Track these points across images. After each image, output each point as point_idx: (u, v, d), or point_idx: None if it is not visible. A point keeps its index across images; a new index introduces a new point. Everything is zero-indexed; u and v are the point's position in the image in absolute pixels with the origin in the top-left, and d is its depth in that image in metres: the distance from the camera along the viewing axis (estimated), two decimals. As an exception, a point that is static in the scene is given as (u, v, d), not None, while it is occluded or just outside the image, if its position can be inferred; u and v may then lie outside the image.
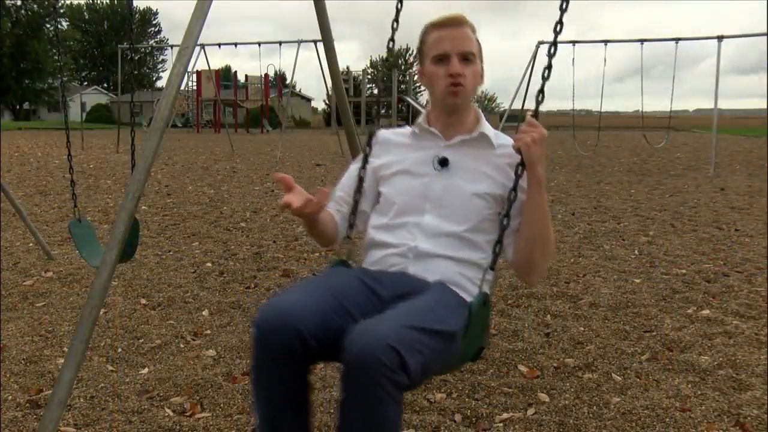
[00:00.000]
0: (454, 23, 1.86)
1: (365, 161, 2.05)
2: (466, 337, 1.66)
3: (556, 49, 1.80)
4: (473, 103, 1.96)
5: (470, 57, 1.86)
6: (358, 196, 2.03)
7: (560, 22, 1.77)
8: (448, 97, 1.87)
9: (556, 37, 1.78)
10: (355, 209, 2.03)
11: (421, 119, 2.00)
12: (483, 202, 1.87)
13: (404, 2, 2.21)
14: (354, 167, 2.09)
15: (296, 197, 1.70)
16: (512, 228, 1.81)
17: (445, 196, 1.88)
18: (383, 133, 2.09)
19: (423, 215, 1.87)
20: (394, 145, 2.03)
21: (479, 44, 1.92)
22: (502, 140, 1.96)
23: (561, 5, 1.78)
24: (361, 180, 2.02)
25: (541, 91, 1.78)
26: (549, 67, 1.79)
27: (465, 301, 1.78)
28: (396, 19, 2.20)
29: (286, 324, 1.54)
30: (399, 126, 2.20)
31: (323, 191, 1.74)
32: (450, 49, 1.84)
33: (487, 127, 1.96)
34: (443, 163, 1.89)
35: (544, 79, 1.79)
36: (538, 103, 1.77)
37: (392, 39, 2.20)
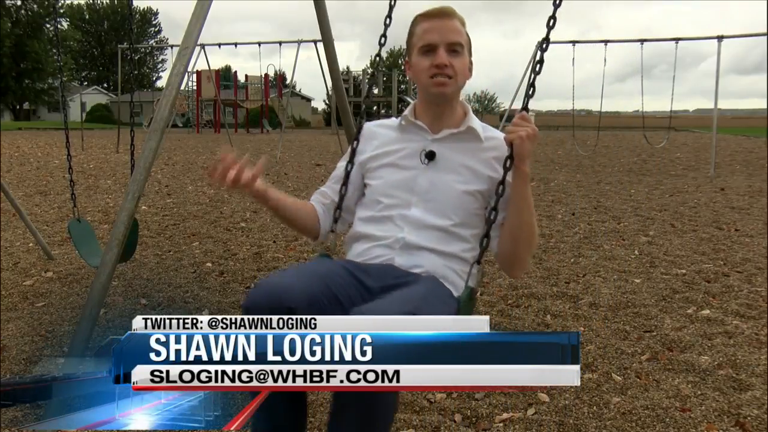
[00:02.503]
0: (443, 15, 1.84)
1: (352, 155, 2.03)
2: None
3: (548, 44, 1.79)
4: (462, 98, 1.95)
5: (458, 48, 1.83)
6: (343, 190, 2.00)
7: (553, 17, 1.76)
8: (433, 87, 1.83)
9: (548, 32, 1.76)
10: (340, 204, 2.01)
11: (407, 111, 1.96)
12: (470, 198, 1.87)
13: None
14: (341, 163, 2.08)
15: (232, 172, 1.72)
16: (498, 221, 1.80)
17: (432, 190, 1.87)
18: (369, 127, 2.05)
19: (410, 208, 1.86)
20: (381, 138, 2.00)
21: (468, 38, 1.89)
22: (490, 133, 1.94)
23: (554, 1, 1.77)
24: (347, 174, 2.00)
25: (532, 84, 1.77)
26: (541, 61, 1.78)
27: (453, 294, 1.80)
28: (389, 15, 2.20)
29: (281, 304, 1.54)
30: (386, 117, 2.18)
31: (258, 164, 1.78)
32: (438, 40, 1.81)
33: (474, 121, 1.93)
34: (430, 156, 1.87)
35: (536, 73, 1.77)
36: (528, 96, 1.76)
37: (384, 35, 2.18)
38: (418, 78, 1.88)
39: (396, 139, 1.96)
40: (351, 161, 2.02)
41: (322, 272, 1.72)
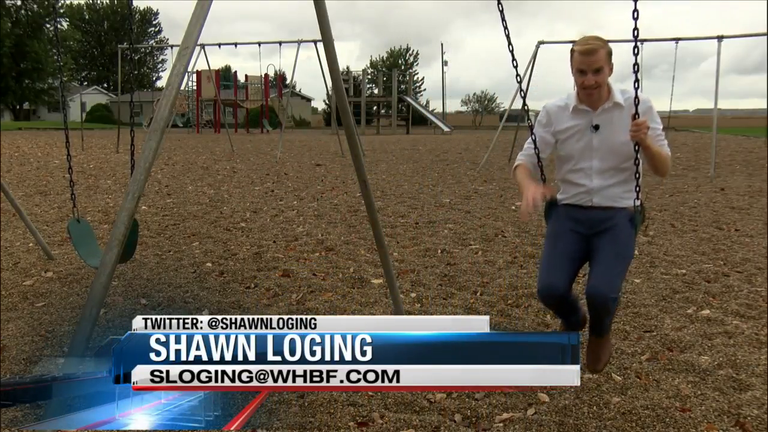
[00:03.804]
0: (589, 52, 2.74)
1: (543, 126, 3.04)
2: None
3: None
4: (607, 83, 2.85)
5: (599, 70, 2.77)
6: (539, 151, 3.03)
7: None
8: (583, 94, 2.84)
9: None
10: (539, 160, 3.06)
11: (574, 100, 2.91)
12: (626, 145, 2.82)
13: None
14: (532, 136, 3.06)
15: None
16: (643, 158, 2.84)
17: (602, 147, 2.88)
18: (551, 108, 3.00)
19: (592, 161, 2.90)
20: (562, 117, 2.96)
21: (607, 53, 2.78)
22: (626, 96, 2.85)
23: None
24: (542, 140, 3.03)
25: (525, 81, 2.27)
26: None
27: (631, 213, 2.89)
28: None
29: (556, 294, 2.86)
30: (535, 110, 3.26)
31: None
32: (586, 68, 2.77)
33: (616, 96, 2.85)
34: (596, 128, 2.88)
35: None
36: (636, 107, 2.76)
37: None
38: (577, 84, 2.84)
39: (573, 118, 2.92)
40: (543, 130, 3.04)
41: (565, 252, 2.89)
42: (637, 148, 2.78)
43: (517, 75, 3.12)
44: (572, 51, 2.85)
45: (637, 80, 2.75)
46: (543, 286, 2.85)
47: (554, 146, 3.02)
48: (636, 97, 2.75)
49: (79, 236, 4.56)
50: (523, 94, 3.25)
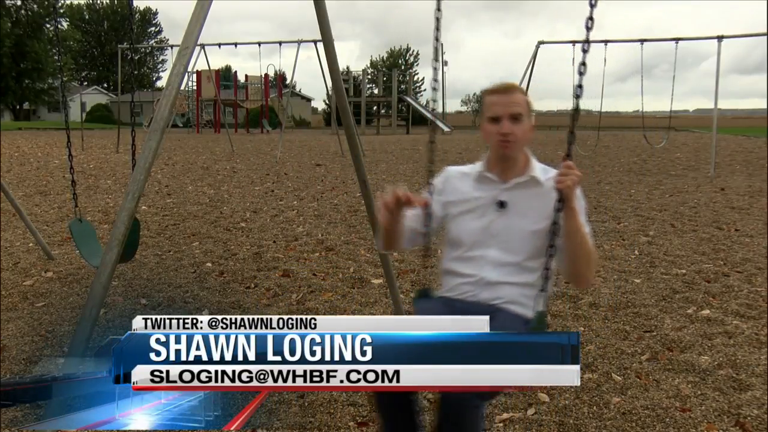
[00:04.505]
0: (505, 91, 2.21)
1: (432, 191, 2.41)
2: None
3: (589, 46, 2.09)
4: (525, 147, 2.28)
5: (518, 117, 2.18)
6: (427, 222, 2.39)
7: (591, 17, 2.09)
8: (500, 149, 2.22)
9: (588, 33, 2.08)
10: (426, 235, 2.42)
11: (482, 166, 2.33)
12: (536, 235, 2.21)
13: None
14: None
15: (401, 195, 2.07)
16: (558, 251, 2.16)
17: (505, 233, 2.24)
18: (451, 172, 2.44)
19: (489, 249, 2.25)
20: (461, 187, 2.37)
21: (528, 104, 2.22)
22: (548, 175, 2.26)
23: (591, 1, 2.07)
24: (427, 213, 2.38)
25: (579, 86, 2.09)
26: (583, 63, 2.10)
27: (527, 319, 2.19)
28: None
29: (397, 402, 2.10)
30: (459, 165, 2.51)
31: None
32: (501, 112, 2.18)
33: (535, 169, 2.28)
34: (502, 204, 2.26)
35: (581, 74, 2.09)
36: (570, 142, 2.12)
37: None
38: (488, 139, 2.26)
39: (474, 189, 2.32)
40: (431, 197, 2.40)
41: None
42: (552, 237, 2.12)
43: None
44: (483, 95, 2.30)
45: (579, 85, 2.13)
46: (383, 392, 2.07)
47: (441, 222, 2.39)
48: (572, 128, 2.12)
49: (80, 236, 4.56)
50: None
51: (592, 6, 2.08)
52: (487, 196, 2.28)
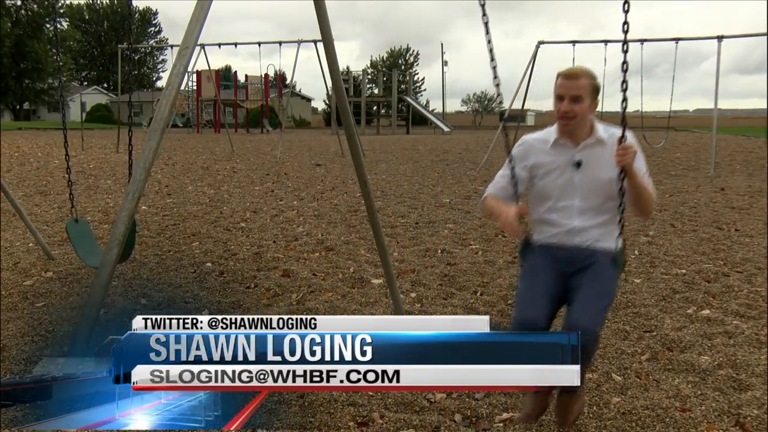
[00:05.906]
0: (571, 76, 2.61)
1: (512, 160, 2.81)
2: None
3: (627, 47, 2.72)
4: (588, 118, 2.68)
5: (578, 99, 2.60)
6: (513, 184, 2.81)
7: (626, 22, 2.59)
8: (560, 124, 2.67)
9: (625, 36, 2.62)
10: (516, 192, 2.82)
11: (555, 133, 2.73)
12: (609, 182, 2.65)
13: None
14: (504, 171, 2.85)
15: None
16: (626, 193, 2.63)
17: (584, 185, 2.69)
18: (530, 141, 2.81)
19: (573, 199, 2.70)
20: (541, 151, 2.77)
21: (593, 86, 2.63)
22: (609, 132, 2.69)
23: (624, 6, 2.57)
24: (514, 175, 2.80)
25: (625, 81, 2.63)
26: (624, 62, 2.69)
27: (612, 254, 2.67)
28: None
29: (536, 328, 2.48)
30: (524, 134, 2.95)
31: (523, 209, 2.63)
32: (564, 93, 2.61)
33: (599, 131, 2.69)
34: (578, 164, 2.70)
35: (624, 71, 2.67)
36: (624, 129, 2.59)
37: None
38: (556, 114, 2.66)
39: (553, 152, 2.74)
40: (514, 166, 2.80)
41: (542, 289, 2.62)
42: (621, 186, 2.60)
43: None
44: (557, 75, 2.70)
45: (624, 81, 2.64)
46: (520, 323, 2.52)
47: (528, 183, 2.79)
48: (623, 118, 2.58)
49: (77, 236, 4.56)
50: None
51: (626, 11, 2.56)
52: (565, 158, 2.71)
